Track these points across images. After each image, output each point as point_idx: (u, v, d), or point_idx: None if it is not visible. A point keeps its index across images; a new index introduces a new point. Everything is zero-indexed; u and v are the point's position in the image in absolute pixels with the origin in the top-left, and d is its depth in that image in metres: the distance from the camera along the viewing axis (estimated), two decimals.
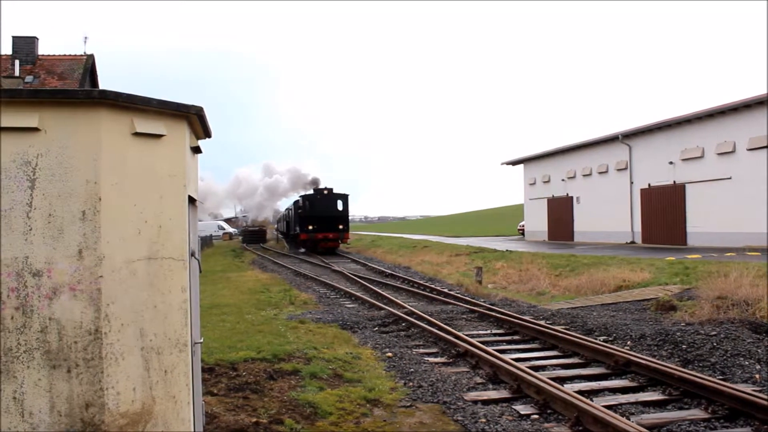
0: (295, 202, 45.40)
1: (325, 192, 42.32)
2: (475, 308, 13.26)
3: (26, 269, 3.01)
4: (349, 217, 43.33)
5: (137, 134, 3.24)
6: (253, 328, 11.36)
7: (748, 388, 6.74)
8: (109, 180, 3.12)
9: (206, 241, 52.09)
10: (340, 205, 42.09)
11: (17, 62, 28.99)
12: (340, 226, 40.73)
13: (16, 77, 26.33)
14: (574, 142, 37.83)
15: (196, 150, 3.96)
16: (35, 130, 3.04)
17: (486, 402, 6.90)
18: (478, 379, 7.88)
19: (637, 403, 6.74)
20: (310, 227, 39.85)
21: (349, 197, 42.99)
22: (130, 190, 3.20)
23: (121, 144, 3.19)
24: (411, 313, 12.68)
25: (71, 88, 24.74)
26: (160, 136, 3.35)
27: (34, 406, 3.00)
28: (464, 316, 12.74)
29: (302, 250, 42.26)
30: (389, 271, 24.45)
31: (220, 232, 78.70)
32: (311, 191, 44.40)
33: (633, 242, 31.66)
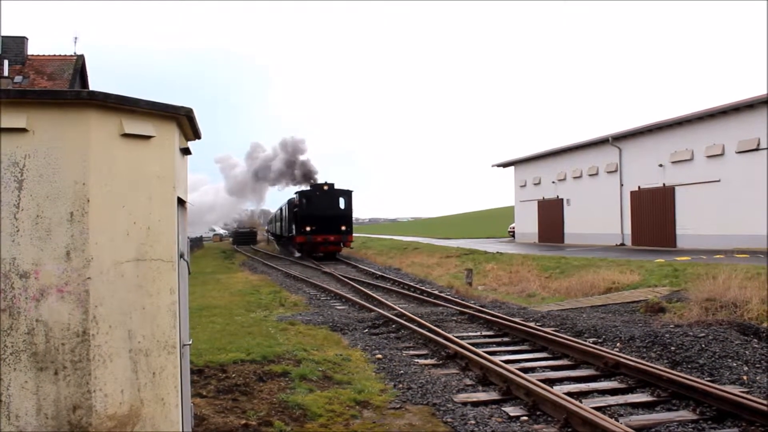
0: (290, 200, 40.02)
1: (325, 188, 36.38)
2: (466, 310, 13.27)
3: (13, 270, 2.99)
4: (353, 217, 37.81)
5: (126, 135, 3.23)
6: (242, 329, 11.33)
7: (735, 390, 6.78)
8: (98, 181, 3.11)
9: (196, 243, 51.91)
10: (342, 203, 36.53)
11: (6, 62, 28.79)
12: (343, 228, 35.31)
13: (5, 77, 26.16)
14: (564, 145, 37.95)
15: (186, 151, 3.95)
16: (23, 130, 3.02)
17: (475, 404, 6.91)
18: (468, 381, 7.89)
19: (626, 404, 6.77)
20: (308, 228, 34.69)
21: (353, 194, 37.46)
22: (118, 192, 3.19)
23: (110, 145, 3.18)
24: (401, 315, 12.68)
25: (60, 88, 24.58)
26: (149, 137, 3.34)
27: (20, 409, 2.98)
28: (454, 318, 12.75)
29: (298, 254, 37.65)
30: (380, 273, 24.45)
31: (211, 234, 78.52)
32: (308, 187, 39.10)
33: (623, 244, 31.79)
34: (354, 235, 37.80)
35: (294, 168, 47.86)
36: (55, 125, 3.07)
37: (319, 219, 34.76)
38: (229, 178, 58.58)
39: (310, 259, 33.75)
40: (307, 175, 46.32)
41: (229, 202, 59.99)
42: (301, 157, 47.96)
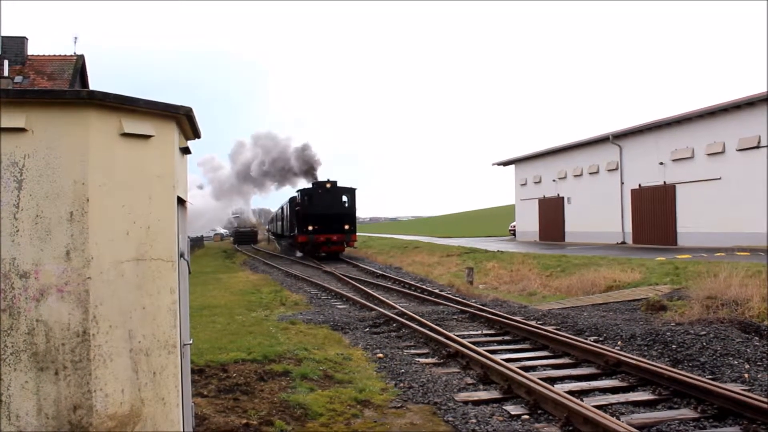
0: (292, 199, 38.82)
1: (328, 186, 35.10)
2: (466, 309, 13.27)
3: (13, 270, 2.99)
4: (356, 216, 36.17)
5: (125, 135, 3.22)
6: (243, 329, 11.33)
7: (737, 388, 6.77)
8: (97, 181, 3.10)
9: (197, 242, 51.93)
10: (345, 201, 35.15)
11: (6, 62, 28.78)
12: (346, 227, 34.02)
13: (6, 77, 26.14)
14: (565, 143, 37.96)
15: (185, 151, 3.94)
16: (22, 130, 3.02)
17: (477, 402, 6.90)
18: (469, 380, 7.88)
19: (627, 402, 6.76)
20: (310, 228, 33.53)
21: (356, 192, 35.86)
22: (118, 191, 3.18)
23: (110, 144, 3.17)
24: (402, 314, 12.68)
25: (60, 88, 24.57)
26: (148, 136, 3.34)
27: (20, 409, 2.98)
28: (455, 317, 12.74)
29: (300, 254, 36.66)
30: (380, 272, 24.43)
31: (212, 233, 78.69)
32: (310, 185, 37.61)
33: (624, 242, 31.78)
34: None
35: (273, 167, 45.36)
36: (55, 125, 3.06)
37: (322, 218, 33.60)
38: (214, 181, 57.17)
39: (311, 259, 33.47)
40: (284, 170, 43.84)
41: (217, 206, 58.57)
42: (276, 153, 45.30)
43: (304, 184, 40.71)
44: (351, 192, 35.66)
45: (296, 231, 35.83)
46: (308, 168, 43.75)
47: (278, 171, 45.09)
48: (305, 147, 43.38)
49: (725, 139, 25.42)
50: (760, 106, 23.60)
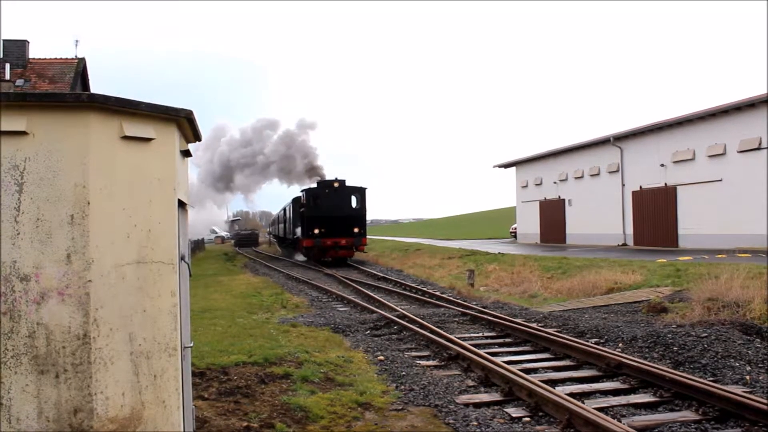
0: (295, 200, 36.12)
1: (336, 185, 32.37)
2: (467, 311, 13.26)
3: (14, 274, 2.99)
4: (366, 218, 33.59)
5: (126, 138, 3.22)
6: (244, 331, 11.32)
7: (738, 390, 6.76)
8: (98, 184, 3.10)
9: (198, 245, 51.98)
10: (354, 202, 32.63)
11: (8, 66, 28.81)
12: (356, 230, 31.52)
13: (7, 81, 26.16)
14: (565, 145, 37.94)
15: (186, 153, 3.94)
16: (23, 133, 3.02)
17: (477, 405, 6.90)
18: (470, 382, 7.88)
19: (628, 405, 6.76)
20: (316, 231, 31.05)
21: (367, 191, 33.33)
22: (119, 194, 3.18)
23: (110, 148, 3.17)
24: (403, 316, 12.67)
25: (61, 91, 24.59)
26: (149, 139, 3.34)
27: (21, 412, 2.98)
28: (456, 319, 12.73)
29: (302, 258, 34.76)
30: (381, 275, 24.43)
31: (213, 236, 79.11)
32: (315, 184, 35.07)
33: (625, 244, 31.75)
34: None
35: (214, 180, 42.69)
36: (56, 128, 3.06)
37: (329, 220, 30.99)
38: None
39: (313, 262, 32.78)
40: (226, 179, 41.61)
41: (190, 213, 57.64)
42: (218, 166, 42.38)
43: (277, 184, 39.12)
44: (361, 192, 33.09)
45: (300, 234, 33.72)
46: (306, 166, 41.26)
47: (221, 181, 43.08)
48: (307, 151, 41.41)
49: (726, 141, 25.41)
50: (761, 107, 23.59)
